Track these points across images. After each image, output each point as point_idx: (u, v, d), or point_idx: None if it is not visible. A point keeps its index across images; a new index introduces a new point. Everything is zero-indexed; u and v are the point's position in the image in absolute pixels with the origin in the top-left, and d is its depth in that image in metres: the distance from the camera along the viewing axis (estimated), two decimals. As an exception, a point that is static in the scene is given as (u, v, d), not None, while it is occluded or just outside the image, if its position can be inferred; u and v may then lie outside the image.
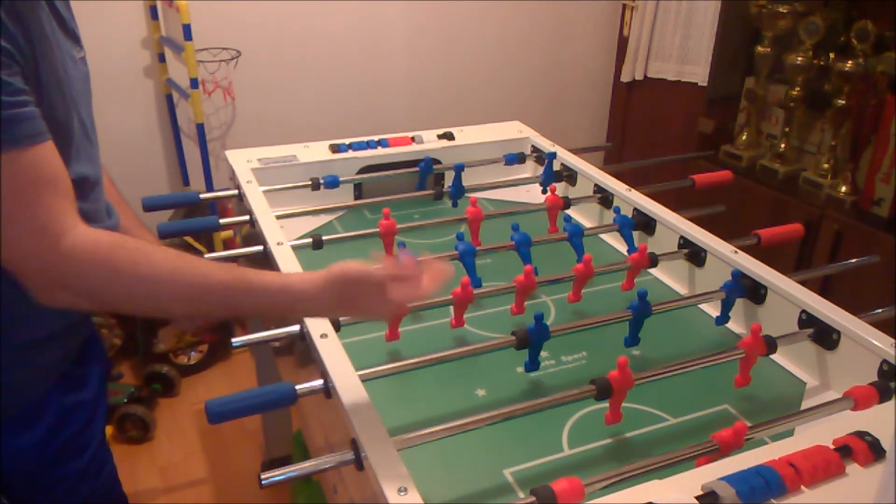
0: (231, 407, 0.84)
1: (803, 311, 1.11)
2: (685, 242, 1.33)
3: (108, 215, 0.97)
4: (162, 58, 2.37)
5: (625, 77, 3.02)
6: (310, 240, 1.29)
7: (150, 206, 1.36)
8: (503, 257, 1.30)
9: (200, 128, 2.18)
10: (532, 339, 1.01)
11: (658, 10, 2.85)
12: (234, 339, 1.00)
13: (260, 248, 1.26)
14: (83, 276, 0.76)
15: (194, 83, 2.12)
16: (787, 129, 2.29)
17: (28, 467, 0.93)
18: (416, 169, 1.61)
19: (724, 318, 1.21)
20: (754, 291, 1.19)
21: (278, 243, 1.22)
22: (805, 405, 1.05)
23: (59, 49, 0.84)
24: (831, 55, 2.12)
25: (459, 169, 1.57)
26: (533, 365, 1.04)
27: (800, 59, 2.15)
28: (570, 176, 1.66)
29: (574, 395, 0.91)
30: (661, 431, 0.99)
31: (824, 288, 1.94)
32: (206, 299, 0.80)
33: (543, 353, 1.07)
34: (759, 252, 1.27)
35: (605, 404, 0.92)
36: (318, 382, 0.90)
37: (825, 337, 1.08)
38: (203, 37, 2.31)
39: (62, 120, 0.83)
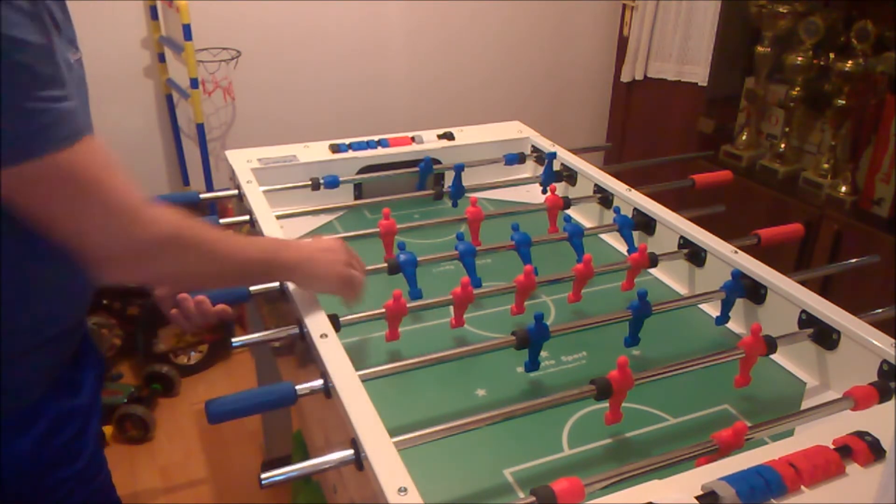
0: (231, 407, 0.84)
1: (803, 311, 1.11)
2: (685, 242, 1.33)
3: None
4: (162, 58, 2.37)
5: (625, 77, 3.02)
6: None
7: (150, 206, 1.35)
8: (503, 257, 1.30)
9: (200, 128, 2.18)
10: (532, 339, 1.01)
11: (658, 10, 2.85)
12: (234, 339, 1.00)
13: (260, 248, 1.25)
14: (155, 255, 0.80)
15: (194, 83, 2.12)
16: (787, 129, 2.29)
17: (23, 472, 0.92)
18: (416, 169, 1.61)
19: (724, 318, 1.21)
20: (754, 291, 1.19)
21: (278, 243, 1.22)
22: (805, 405, 1.05)
23: (59, 51, 0.84)
24: (831, 55, 2.12)
25: (459, 169, 1.57)
26: (533, 365, 1.04)
27: (800, 59, 2.15)
28: (570, 176, 1.66)
29: (574, 395, 0.90)
30: (661, 431, 0.99)
31: (824, 288, 1.94)
32: (241, 277, 0.98)
33: (543, 353, 1.07)
34: (759, 252, 1.27)
35: (605, 404, 0.92)
36: (318, 382, 0.90)
37: (825, 337, 1.08)
38: (203, 37, 2.31)
39: None
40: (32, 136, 0.70)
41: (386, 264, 1.19)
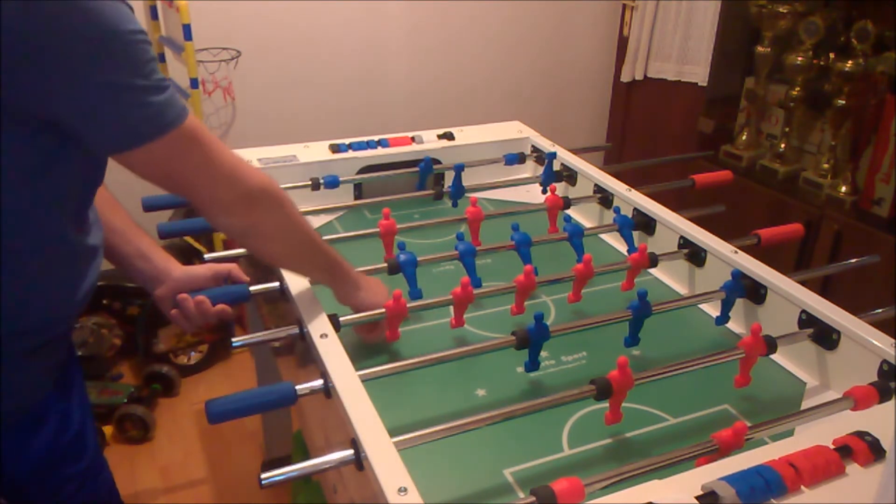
0: (231, 407, 0.84)
1: (803, 311, 1.11)
2: (685, 242, 1.33)
3: (100, 226, 0.97)
4: (162, 58, 2.37)
5: (625, 77, 3.02)
6: (310, 240, 1.29)
7: (151, 206, 1.36)
8: (503, 257, 1.30)
9: (200, 128, 2.17)
10: (532, 339, 1.01)
11: (658, 10, 2.85)
12: (234, 339, 1.00)
13: (260, 248, 1.25)
14: (253, 203, 0.90)
15: (194, 83, 2.12)
16: (787, 129, 2.29)
17: (34, 472, 0.93)
18: (416, 169, 1.61)
19: (724, 318, 1.21)
20: (754, 291, 1.19)
21: (278, 243, 1.22)
22: (805, 405, 1.05)
23: None
24: (831, 55, 2.12)
25: (459, 169, 1.57)
26: (533, 365, 1.04)
27: (800, 59, 2.15)
28: (570, 176, 1.66)
29: (574, 395, 0.90)
30: (661, 431, 0.99)
31: (824, 288, 1.94)
32: (313, 260, 1.03)
33: (543, 353, 1.07)
34: (759, 252, 1.27)
35: (605, 404, 0.92)
36: (318, 382, 0.90)
37: (825, 337, 1.08)
38: (203, 37, 2.31)
39: None
40: (166, 110, 0.78)
41: (386, 264, 1.19)
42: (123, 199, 1.07)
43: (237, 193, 0.88)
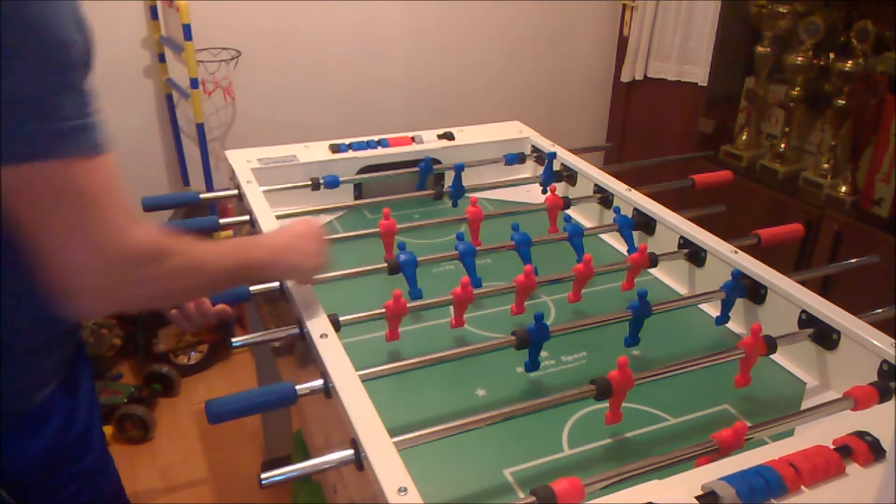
0: (231, 407, 0.84)
1: (803, 311, 1.11)
2: (685, 242, 1.33)
3: None
4: (162, 58, 2.37)
5: (625, 77, 3.02)
6: (310, 240, 1.29)
7: (150, 206, 1.36)
8: (503, 257, 1.30)
9: (200, 128, 2.18)
10: (532, 339, 1.01)
11: (658, 10, 2.85)
12: (234, 339, 1.00)
13: (260, 248, 1.25)
14: (139, 284, 0.76)
15: (194, 83, 2.12)
16: (787, 129, 2.29)
17: (37, 470, 0.93)
18: (416, 169, 1.61)
19: (724, 318, 1.21)
20: (754, 291, 1.19)
21: (278, 243, 1.22)
22: (805, 405, 1.05)
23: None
24: (831, 55, 2.12)
25: (459, 169, 1.57)
26: (533, 365, 1.04)
27: (800, 59, 2.15)
28: (570, 176, 1.66)
29: (574, 395, 0.91)
30: (661, 431, 0.99)
31: (824, 288, 1.94)
32: (223, 287, 0.99)
33: (543, 353, 1.07)
34: (759, 252, 1.27)
35: (605, 404, 0.92)
36: (318, 382, 0.90)
37: (825, 337, 1.08)
38: (203, 37, 2.31)
39: None
40: (44, 137, 0.67)
41: (386, 264, 1.19)
42: (123, 199, 1.07)
43: (101, 267, 0.72)
